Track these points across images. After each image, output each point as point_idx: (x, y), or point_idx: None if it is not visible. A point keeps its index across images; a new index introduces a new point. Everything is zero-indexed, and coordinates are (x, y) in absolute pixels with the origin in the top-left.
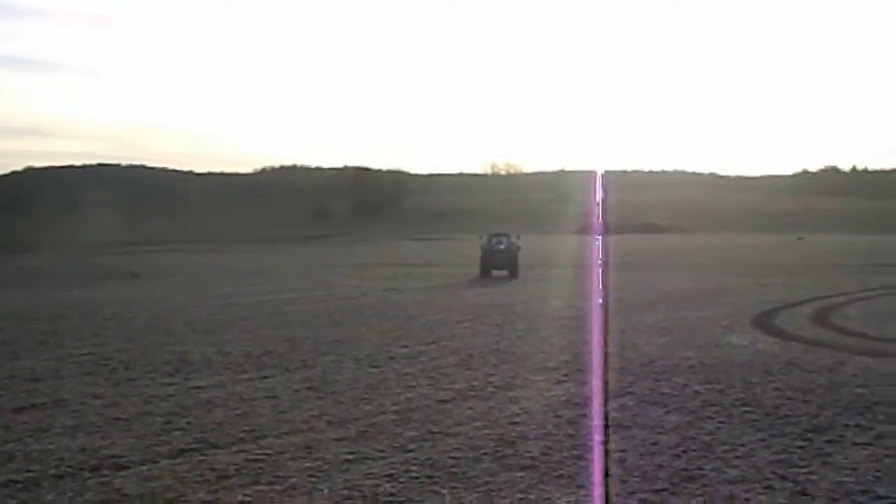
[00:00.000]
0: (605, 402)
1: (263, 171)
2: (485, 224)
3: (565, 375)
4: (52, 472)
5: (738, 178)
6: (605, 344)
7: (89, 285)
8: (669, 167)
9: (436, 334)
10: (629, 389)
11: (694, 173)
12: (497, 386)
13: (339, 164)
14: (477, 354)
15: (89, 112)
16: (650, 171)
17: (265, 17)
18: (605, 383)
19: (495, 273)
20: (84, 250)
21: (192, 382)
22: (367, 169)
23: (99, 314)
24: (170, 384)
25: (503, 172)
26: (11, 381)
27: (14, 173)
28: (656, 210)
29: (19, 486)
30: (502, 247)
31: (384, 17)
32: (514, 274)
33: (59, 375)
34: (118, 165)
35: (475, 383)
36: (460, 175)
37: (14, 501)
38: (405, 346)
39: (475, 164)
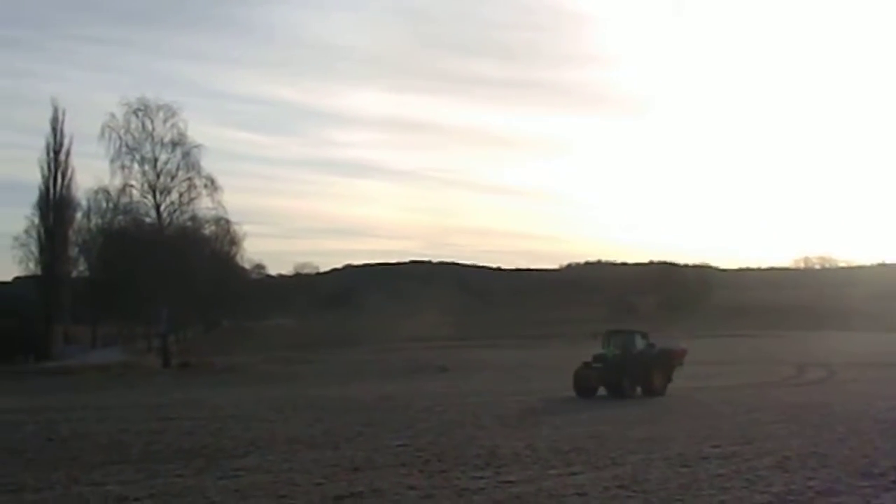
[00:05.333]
0: None
1: (569, 266)
2: (795, 321)
3: (893, 482)
4: None
5: None
6: None
7: (402, 378)
8: None
9: (748, 434)
10: None
11: None
12: (817, 491)
13: (645, 260)
14: (794, 456)
15: (404, 212)
16: None
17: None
18: None
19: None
20: (397, 344)
21: (502, 476)
22: (673, 264)
23: (412, 407)
24: (481, 477)
25: (816, 266)
26: (333, 469)
27: (334, 270)
28: None
29: None
30: (613, 352)
31: (678, 111)
32: (642, 388)
33: (376, 465)
34: (430, 262)
35: (793, 487)
36: (770, 270)
37: None
38: (716, 446)
39: (786, 257)
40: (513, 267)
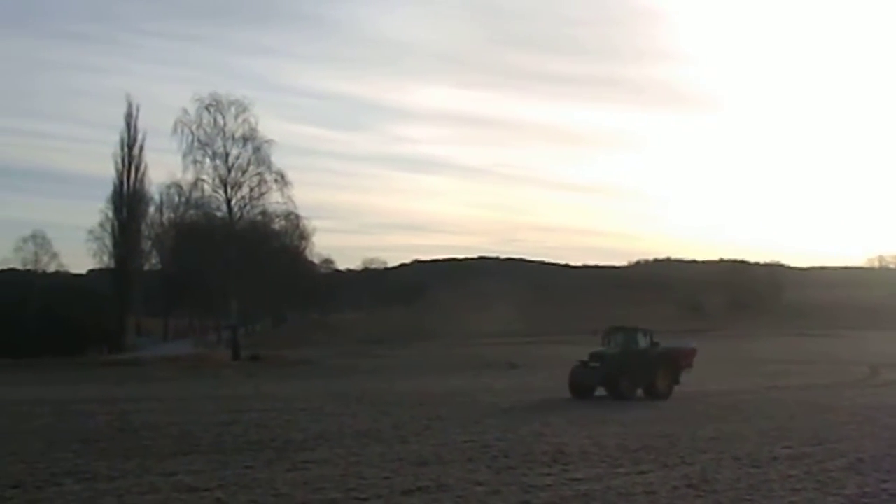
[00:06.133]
0: None
1: (637, 264)
2: (868, 320)
3: None
4: None
5: None
6: None
7: (470, 374)
8: None
9: (821, 435)
10: None
11: None
12: (892, 494)
13: (715, 258)
14: (867, 458)
15: (472, 208)
16: None
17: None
18: None
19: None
20: (465, 339)
21: (569, 474)
22: (743, 262)
23: (479, 402)
24: (548, 474)
25: (891, 265)
26: (400, 463)
27: (403, 266)
28: None
29: None
30: (612, 351)
31: (751, 107)
32: (644, 389)
33: (443, 460)
34: (498, 259)
35: (867, 489)
36: (843, 268)
37: None
38: (788, 447)
39: (859, 256)
40: (581, 264)
